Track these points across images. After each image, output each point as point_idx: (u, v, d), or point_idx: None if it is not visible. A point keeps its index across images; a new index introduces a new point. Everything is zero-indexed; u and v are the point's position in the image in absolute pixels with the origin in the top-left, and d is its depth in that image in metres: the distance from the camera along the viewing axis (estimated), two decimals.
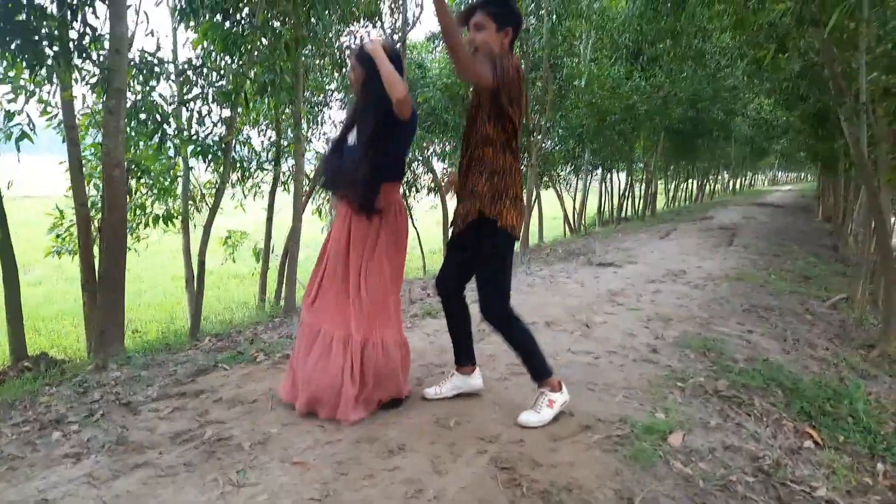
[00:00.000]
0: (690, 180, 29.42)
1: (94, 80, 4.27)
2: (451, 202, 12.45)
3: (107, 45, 4.23)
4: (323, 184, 2.92)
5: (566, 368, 3.32)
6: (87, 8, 3.79)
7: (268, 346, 3.93)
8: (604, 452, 2.35)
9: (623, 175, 20.04)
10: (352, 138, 2.69)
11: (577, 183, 17.33)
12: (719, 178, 37.01)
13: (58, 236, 6.37)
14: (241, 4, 5.20)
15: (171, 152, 5.20)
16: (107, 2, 3.69)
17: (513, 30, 2.46)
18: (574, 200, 17.45)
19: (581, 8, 10.53)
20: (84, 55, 3.96)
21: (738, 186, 43.41)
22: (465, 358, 2.86)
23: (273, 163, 6.66)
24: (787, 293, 6.40)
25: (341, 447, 2.39)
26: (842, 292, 6.81)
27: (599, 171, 17.72)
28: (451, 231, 2.72)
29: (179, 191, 6.30)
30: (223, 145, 5.08)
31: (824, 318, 5.67)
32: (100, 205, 5.37)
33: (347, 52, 2.72)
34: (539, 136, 11.41)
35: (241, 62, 4.87)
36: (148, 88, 4.71)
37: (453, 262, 2.74)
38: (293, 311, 5.49)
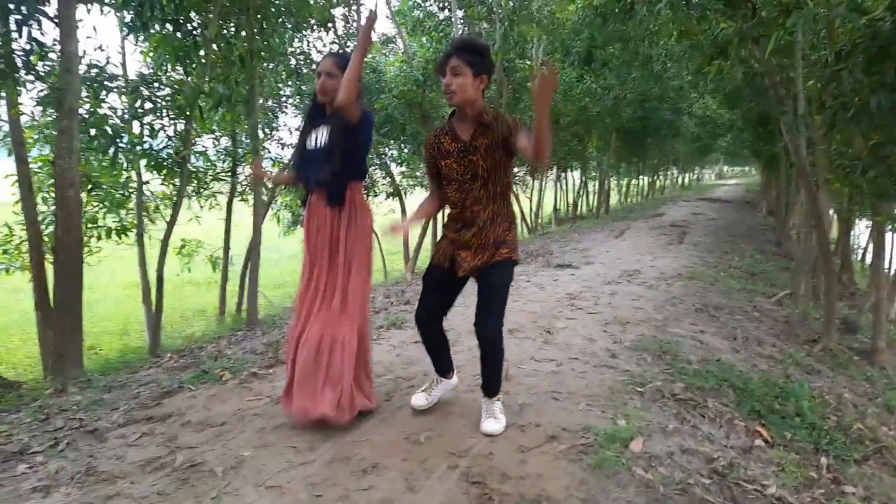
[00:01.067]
0: (642, 177, 30.19)
1: (41, 96, 4.17)
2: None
3: (53, 58, 4.15)
4: (298, 181, 3.01)
5: (531, 377, 3.42)
6: (31, 23, 3.70)
7: (233, 363, 3.90)
8: (570, 462, 2.45)
9: (577, 174, 20.44)
10: (315, 140, 2.81)
11: (532, 183, 17.60)
12: (669, 174, 38.09)
13: (4, 252, 6.16)
14: (191, 15, 5.13)
15: (125, 166, 5.10)
16: (56, 19, 3.60)
17: (487, 78, 2.56)
18: (530, 201, 17.72)
19: (532, 13, 10.73)
20: (30, 70, 3.86)
21: (686, 182, 44.75)
22: (447, 369, 3.01)
23: (230, 173, 6.58)
24: (735, 291, 6.69)
25: (315, 468, 2.43)
26: (786, 288, 7.16)
27: (554, 170, 18.03)
28: (444, 265, 2.75)
29: (133, 204, 6.16)
30: (179, 159, 5.00)
31: (770, 314, 5.96)
32: (50, 219, 5.24)
33: (323, 59, 2.81)
34: None
35: (195, 75, 4.80)
36: (97, 101, 4.62)
37: (440, 299, 2.80)
38: (256, 324, 5.45)
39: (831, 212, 8.12)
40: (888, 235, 5.81)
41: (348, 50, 9.34)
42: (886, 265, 6.03)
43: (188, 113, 4.56)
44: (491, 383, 2.76)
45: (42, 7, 3.72)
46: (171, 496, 2.23)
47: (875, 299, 5.44)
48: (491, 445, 2.58)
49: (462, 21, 11.17)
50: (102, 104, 4.73)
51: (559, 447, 2.57)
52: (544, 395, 3.15)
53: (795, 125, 4.72)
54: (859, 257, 13.83)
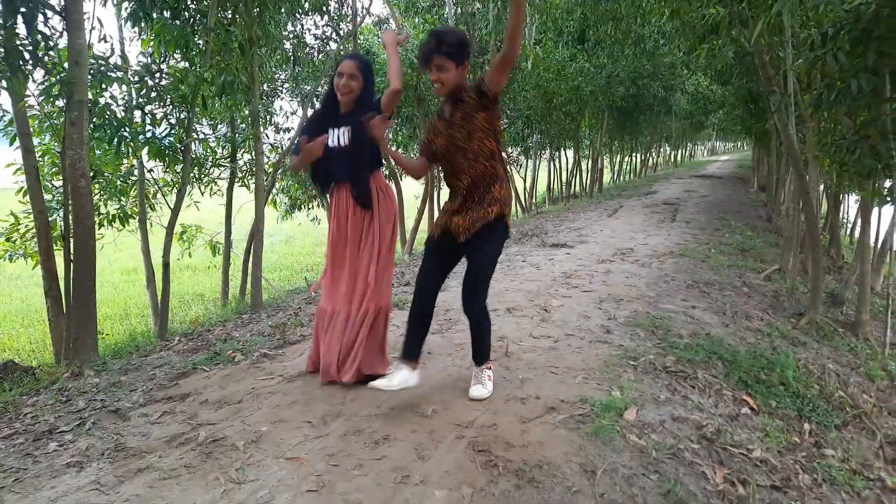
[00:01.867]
0: (634, 154, 30.31)
1: (48, 88, 4.24)
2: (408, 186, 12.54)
3: (59, 51, 4.22)
4: (317, 180, 3.25)
5: (530, 353, 3.59)
6: (38, 17, 3.77)
7: (243, 345, 4.06)
8: (568, 431, 2.62)
9: (570, 153, 20.54)
10: (337, 139, 3.01)
11: (526, 163, 17.69)
12: (661, 151, 38.20)
13: (7, 239, 6.26)
14: (188, 3, 5.18)
15: (127, 154, 5.19)
16: (62, 12, 3.68)
17: (468, 62, 2.74)
18: (524, 181, 17.83)
19: None
20: (37, 64, 3.93)
21: (679, 159, 44.87)
22: (418, 352, 2.93)
23: (229, 159, 6.67)
24: (726, 267, 6.86)
25: (330, 441, 2.59)
26: (775, 264, 7.35)
27: (548, 150, 18.12)
28: (435, 237, 2.94)
29: (134, 191, 6.26)
30: (182, 147, 5.10)
31: (759, 289, 6.14)
32: (58, 209, 5.34)
33: (345, 61, 3.04)
34: None
35: (197, 64, 4.88)
36: (99, 91, 4.69)
37: (441, 268, 2.97)
38: (261, 307, 5.59)
39: (820, 188, 8.29)
40: (874, 210, 5.96)
41: (341, 32, 9.36)
42: (872, 239, 6.20)
43: (190, 101, 4.65)
44: (479, 352, 3.00)
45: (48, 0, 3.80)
46: (198, 468, 2.39)
47: (860, 272, 5.62)
48: (494, 417, 2.75)
49: (455, 1, 11.17)
50: (104, 94, 4.80)
51: (558, 417, 2.74)
52: (543, 369, 3.32)
53: (783, 104, 4.85)
54: (847, 231, 14.04)
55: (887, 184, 4.92)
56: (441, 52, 2.64)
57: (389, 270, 3.17)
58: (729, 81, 12.09)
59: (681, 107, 24.55)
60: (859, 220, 11.47)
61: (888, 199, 4.77)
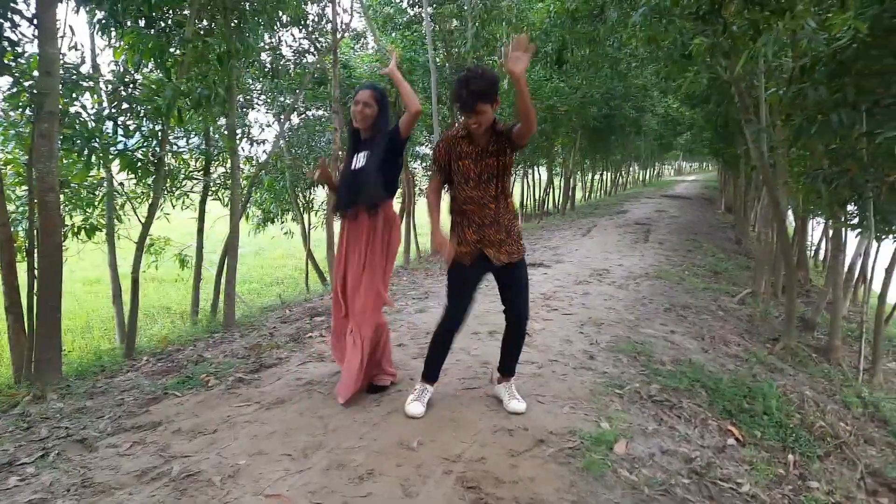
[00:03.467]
0: (606, 173, 30.74)
1: (15, 95, 4.07)
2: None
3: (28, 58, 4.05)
4: (339, 205, 3.36)
5: (515, 380, 3.51)
6: (3, 24, 3.61)
7: (216, 368, 3.91)
8: (559, 465, 2.56)
9: (543, 170, 20.72)
10: (356, 163, 3.20)
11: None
12: (631, 170, 38.85)
13: None
14: (164, 13, 5.05)
15: (97, 167, 5.00)
16: (34, 20, 3.52)
17: (499, 99, 2.88)
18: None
19: (503, 12, 10.82)
20: (3, 72, 3.77)
21: (648, 178, 45.69)
22: (436, 377, 3.21)
23: (203, 172, 6.50)
24: (701, 290, 6.93)
25: (312, 475, 2.48)
26: (747, 287, 7.45)
27: (521, 167, 18.23)
28: (459, 267, 3.05)
29: (103, 203, 6.04)
30: (154, 160, 4.94)
31: (734, 313, 6.21)
32: (18, 221, 5.11)
33: (361, 91, 3.20)
34: None
35: (172, 75, 4.74)
36: (69, 101, 4.52)
37: (471, 298, 3.13)
38: (233, 325, 5.43)
39: (788, 211, 8.47)
40: (844, 234, 6.10)
41: (319, 46, 9.28)
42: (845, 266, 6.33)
43: (165, 113, 4.50)
44: (516, 362, 3.21)
45: (15, 6, 3.64)
46: None
47: (832, 298, 5.72)
48: (482, 450, 2.67)
49: (432, 18, 11.18)
50: (74, 103, 4.63)
51: (548, 451, 2.68)
52: (529, 398, 3.25)
53: (759, 133, 4.92)
54: (812, 254, 14.40)
55: (850, 207, 5.03)
56: (483, 101, 2.76)
57: (383, 293, 3.27)
58: (700, 105, 12.37)
59: (651, 127, 25.04)
60: (824, 243, 11.78)
61: (856, 228, 4.88)
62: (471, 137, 2.94)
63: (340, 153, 8.28)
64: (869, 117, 3.87)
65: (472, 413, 3.06)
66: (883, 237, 5.24)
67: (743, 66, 4.22)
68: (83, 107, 4.78)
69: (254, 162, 7.90)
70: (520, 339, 3.18)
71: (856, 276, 7.48)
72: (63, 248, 5.77)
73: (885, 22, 3.49)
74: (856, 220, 4.90)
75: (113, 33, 4.89)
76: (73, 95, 4.55)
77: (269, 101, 9.46)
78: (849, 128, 3.67)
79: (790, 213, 8.56)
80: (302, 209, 11.10)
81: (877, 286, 8.32)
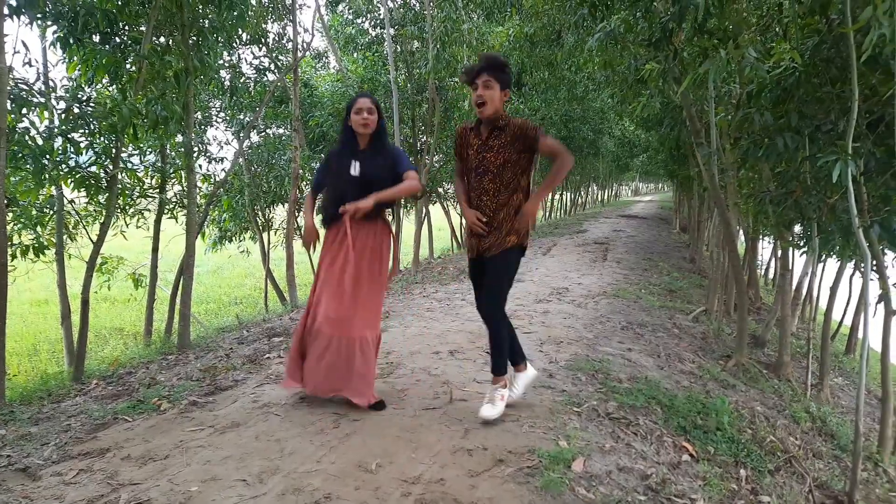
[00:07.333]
0: (566, 193, 31.27)
1: None
2: None
3: None
4: (327, 210, 3.40)
5: (475, 400, 3.53)
6: None
7: (169, 391, 3.81)
8: (517, 485, 2.57)
9: None
10: (353, 169, 3.28)
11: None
12: (590, 190, 39.63)
13: None
14: (119, 27, 4.96)
15: (46, 184, 4.86)
16: None
17: (508, 91, 3.04)
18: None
19: (463, 35, 11.00)
20: None
21: (606, 198, 46.66)
22: (520, 358, 3.37)
23: (158, 190, 6.37)
24: (657, 308, 7.08)
25: (267, 501, 2.42)
26: (701, 305, 7.65)
27: None
28: (469, 258, 3.24)
29: (53, 222, 5.85)
30: (107, 177, 4.82)
31: (689, 331, 6.35)
32: None
33: (361, 98, 3.33)
34: (427, 156, 11.78)
35: (128, 92, 4.66)
36: (17, 118, 4.39)
37: (483, 286, 3.20)
38: (188, 347, 5.29)
39: (740, 231, 8.75)
40: (791, 254, 6.32)
41: (280, 63, 9.25)
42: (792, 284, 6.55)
43: (120, 131, 4.41)
44: (493, 362, 3.20)
45: None
46: None
47: (780, 315, 5.92)
48: (442, 471, 2.66)
49: (394, 39, 11.29)
50: (23, 119, 4.49)
51: (506, 470, 2.68)
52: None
53: (710, 156, 5.10)
54: (762, 273, 14.88)
55: (797, 228, 5.23)
56: (490, 73, 2.87)
57: (379, 301, 3.40)
58: (654, 129, 12.76)
59: (608, 149, 25.64)
60: (773, 262, 12.19)
61: (802, 248, 5.08)
62: (478, 129, 3.06)
63: (301, 171, 8.23)
64: (811, 142, 4.04)
65: (431, 434, 3.05)
66: (826, 257, 5.46)
67: (689, 90, 4.39)
68: (32, 123, 4.66)
69: (212, 180, 7.77)
70: (491, 337, 3.20)
71: (803, 294, 7.76)
72: (10, 268, 5.58)
73: (822, 52, 3.69)
74: (802, 241, 5.10)
75: (72, 48, 4.79)
76: (24, 112, 4.42)
77: (228, 118, 9.36)
78: (793, 151, 3.83)
79: (741, 233, 8.88)
80: (261, 227, 10.97)
81: (823, 304, 8.67)
